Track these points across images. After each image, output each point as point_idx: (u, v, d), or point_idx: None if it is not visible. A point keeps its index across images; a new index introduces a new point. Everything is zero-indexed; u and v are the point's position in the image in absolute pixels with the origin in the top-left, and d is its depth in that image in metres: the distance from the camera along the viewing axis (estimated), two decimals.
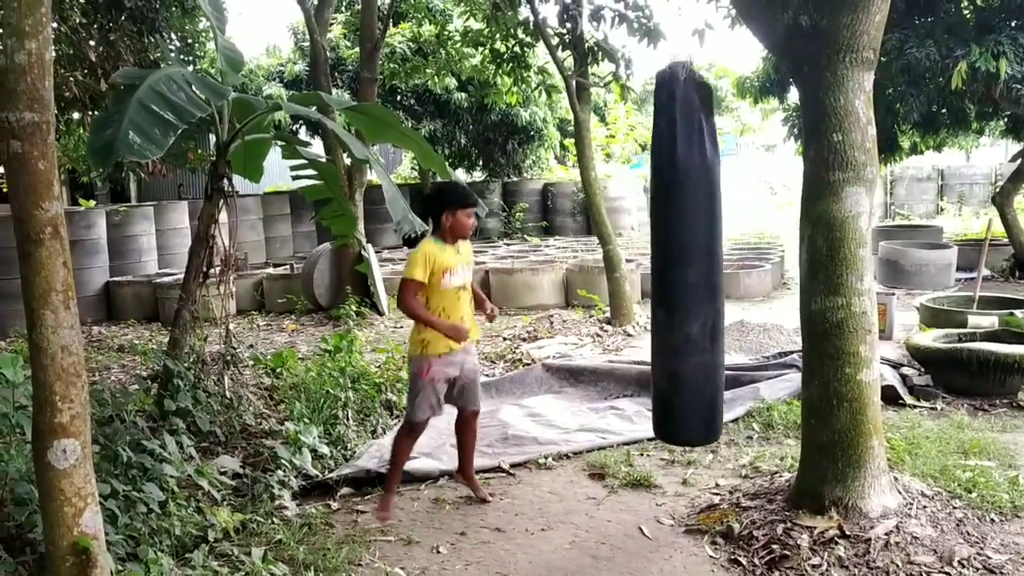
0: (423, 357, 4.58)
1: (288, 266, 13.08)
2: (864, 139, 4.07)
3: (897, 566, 3.71)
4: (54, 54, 3.03)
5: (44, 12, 2.98)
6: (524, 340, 8.96)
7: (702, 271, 4.20)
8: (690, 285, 4.20)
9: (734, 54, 44.29)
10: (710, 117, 4.15)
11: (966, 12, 9.30)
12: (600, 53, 9.69)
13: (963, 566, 3.72)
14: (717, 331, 4.25)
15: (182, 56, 10.61)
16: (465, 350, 4.69)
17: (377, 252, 13.30)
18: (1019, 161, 12.08)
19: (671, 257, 4.25)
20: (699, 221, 4.17)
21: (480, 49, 11.98)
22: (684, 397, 4.30)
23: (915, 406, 6.18)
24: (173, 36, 10.35)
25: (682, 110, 4.09)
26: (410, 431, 4.73)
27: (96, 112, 9.38)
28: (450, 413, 6.52)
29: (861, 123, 4.06)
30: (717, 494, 4.76)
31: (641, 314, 9.82)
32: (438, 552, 4.27)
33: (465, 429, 4.93)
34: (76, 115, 10.96)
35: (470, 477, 4.98)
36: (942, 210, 20.49)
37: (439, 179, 18.41)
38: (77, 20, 8.78)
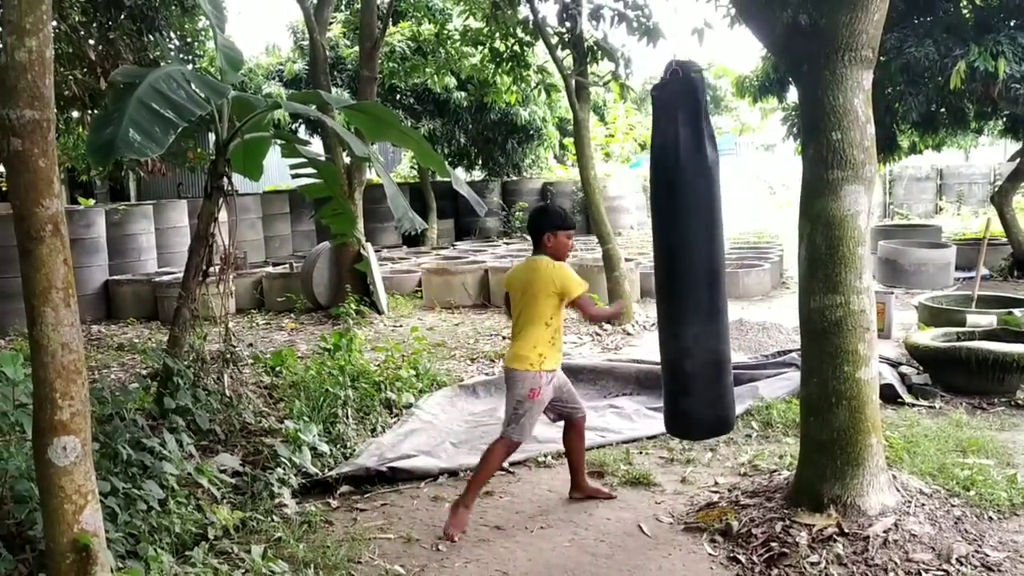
0: (537, 374, 4.44)
1: (287, 265, 13.08)
2: (863, 138, 4.07)
3: (895, 564, 3.72)
4: (54, 52, 3.02)
5: (44, 10, 2.98)
6: None
7: (709, 265, 4.27)
8: (697, 290, 4.27)
9: (733, 53, 44.26)
10: (708, 117, 4.19)
11: (965, 12, 9.32)
12: (599, 52, 9.70)
13: (961, 564, 3.73)
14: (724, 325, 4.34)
15: (182, 55, 10.60)
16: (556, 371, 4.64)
17: (376, 251, 13.31)
18: (1018, 160, 12.09)
19: (679, 264, 4.30)
20: (701, 220, 4.20)
21: (479, 48, 11.97)
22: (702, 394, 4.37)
23: (913, 405, 6.19)
24: (172, 35, 10.34)
25: (685, 110, 4.12)
26: (508, 449, 4.60)
27: (96, 111, 9.38)
28: (450, 411, 6.53)
29: (860, 122, 4.07)
30: (716, 492, 4.77)
31: (640, 313, 9.83)
32: (438, 550, 4.28)
33: (576, 437, 4.81)
34: (76, 114, 10.96)
35: (584, 487, 4.86)
36: (941, 209, 20.52)
37: (439, 178, 18.46)
38: (77, 18, 8.79)
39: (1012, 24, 9.01)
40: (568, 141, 20.11)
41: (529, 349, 4.45)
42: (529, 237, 4.74)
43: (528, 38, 10.53)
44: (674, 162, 4.15)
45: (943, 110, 10.72)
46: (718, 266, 4.31)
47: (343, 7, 17.23)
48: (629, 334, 9.21)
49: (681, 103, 4.15)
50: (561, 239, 4.55)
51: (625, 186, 20.64)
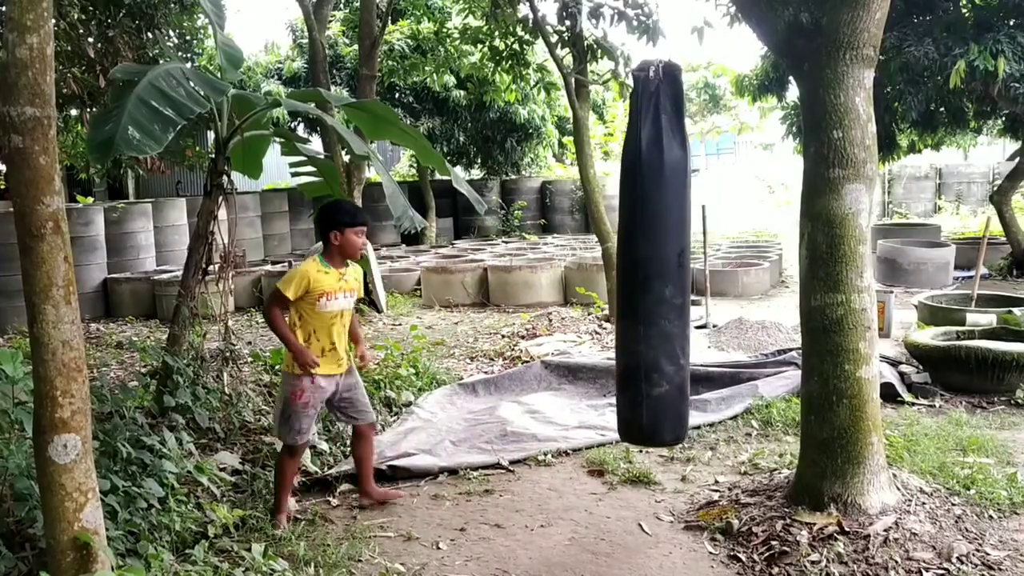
0: (297, 376, 4.42)
1: (287, 263, 13.07)
2: (864, 136, 4.07)
3: (896, 562, 3.72)
4: (54, 50, 3.02)
5: (45, 7, 2.98)
6: (523, 337, 8.96)
7: (678, 271, 4.19)
8: (667, 293, 4.17)
9: (733, 52, 44.27)
10: (680, 116, 4.13)
11: (965, 11, 9.32)
12: (599, 51, 9.69)
13: (962, 562, 3.73)
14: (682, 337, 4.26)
15: (181, 53, 10.58)
16: (343, 373, 4.58)
17: (376, 249, 13.31)
18: (1017, 160, 12.11)
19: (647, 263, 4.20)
20: (672, 218, 4.14)
21: (479, 47, 11.96)
22: (671, 395, 4.25)
23: (913, 403, 6.19)
24: (172, 33, 10.32)
25: (655, 109, 4.08)
26: (291, 455, 4.53)
27: (95, 108, 9.36)
28: (449, 409, 6.53)
29: (861, 120, 4.07)
30: (716, 491, 4.77)
31: None
32: (438, 548, 4.28)
33: (360, 443, 4.77)
34: (75, 112, 10.94)
35: (369, 492, 4.82)
36: (940, 209, 20.52)
37: (438, 177, 18.46)
38: (76, 16, 8.77)
39: (1012, 23, 9.01)
40: (567, 140, 20.11)
41: (287, 352, 4.47)
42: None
43: (528, 36, 10.52)
44: (646, 159, 4.10)
45: (942, 109, 10.73)
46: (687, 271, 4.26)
47: (342, 5, 17.22)
48: None
49: (646, 101, 4.12)
50: (349, 237, 4.43)
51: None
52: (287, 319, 4.46)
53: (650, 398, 4.17)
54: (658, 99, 4.06)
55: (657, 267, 4.13)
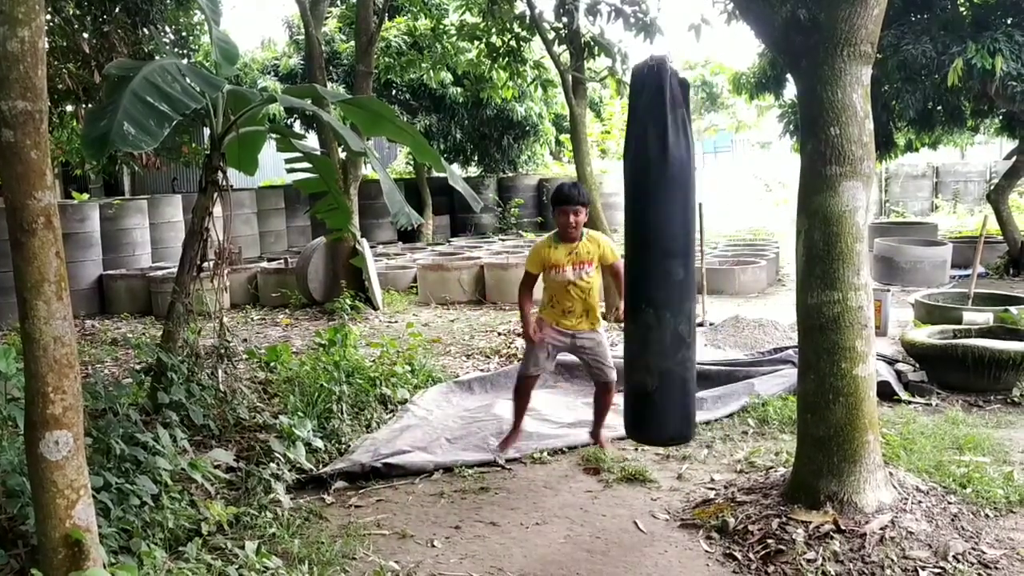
0: (539, 320, 5.30)
1: (282, 260, 13.05)
2: (861, 133, 4.06)
3: (892, 561, 3.71)
4: (47, 45, 3.00)
5: (36, 0, 2.95)
6: (519, 335, 8.94)
7: (685, 266, 4.33)
8: (676, 282, 4.31)
9: (730, 50, 44.27)
10: (687, 112, 4.19)
11: (962, 9, 9.32)
12: (596, 48, 9.68)
13: (958, 561, 3.72)
14: (693, 324, 4.44)
15: (176, 49, 10.57)
16: (579, 332, 5.27)
17: (372, 247, 13.28)
18: (1014, 158, 12.10)
19: (659, 252, 4.32)
20: (678, 215, 4.26)
21: (476, 43, 11.93)
22: (673, 394, 4.40)
23: (910, 402, 6.18)
24: (167, 28, 10.30)
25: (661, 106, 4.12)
26: (522, 382, 5.39)
27: (90, 104, 9.33)
28: (445, 407, 6.52)
29: (858, 117, 4.05)
30: (712, 489, 4.76)
31: None
32: (433, 546, 4.26)
33: (599, 394, 5.43)
34: (70, 107, 10.91)
35: (597, 437, 5.50)
36: (937, 207, 20.54)
37: (434, 174, 18.44)
38: (71, 11, 8.74)
39: (1009, 22, 9.01)
40: (564, 137, 20.06)
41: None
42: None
43: (525, 33, 10.50)
44: (654, 157, 4.19)
45: (940, 108, 10.73)
46: (692, 268, 4.36)
47: (339, 2, 17.19)
48: None
49: (646, 100, 4.18)
50: (557, 216, 5.18)
51: (621, 183, 20.59)
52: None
53: (651, 397, 4.34)
54: (664, 97, 4.09)
55: (662, 264, 4.28)
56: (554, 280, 5.19)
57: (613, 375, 5.32)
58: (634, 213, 4.44)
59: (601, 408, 5.45)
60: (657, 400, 4.40)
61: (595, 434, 5.51)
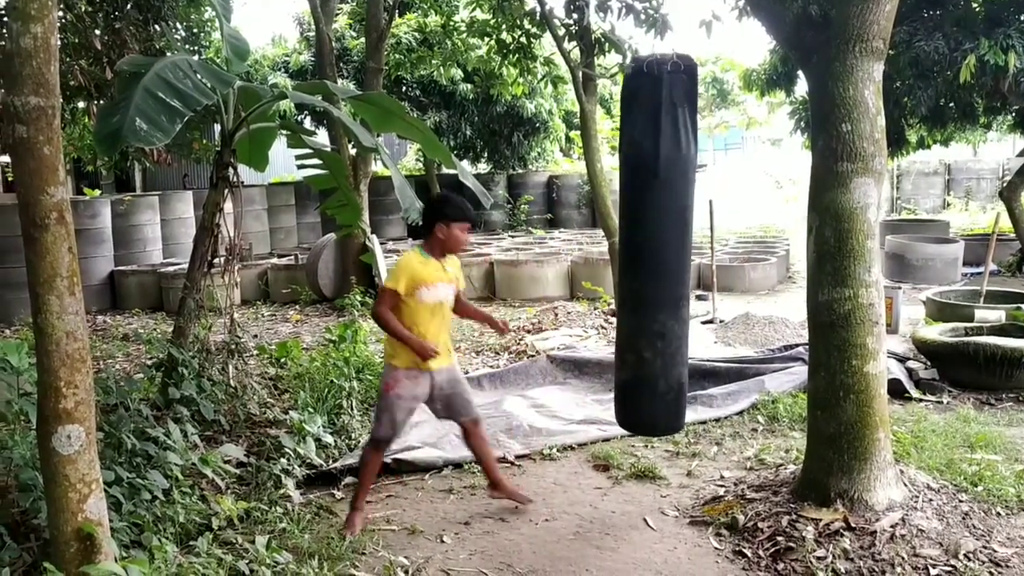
0: (395, 368, 4.35)
1: (292, 256, 13.07)
2: (873, 129, 4.04)
3: (903, 559, 3.70)
4: (59, 42, 3.01)
5: None
6: (529, 332, 8.95)
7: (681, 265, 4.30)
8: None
9: (741, 46, 44.12)
10: (692, 110, 4.15)
11: (975, 5, 9.24)
12: (607, 44, 9.65)
13: (969, 559, 3.70)
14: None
15: (187, 45, 10.59)
16: (441, 369, 4.41)
17: (382, 243, 13.29)
18: None
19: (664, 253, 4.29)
20: (675, 213, 4.21)
21: (486, 40, 11.92)
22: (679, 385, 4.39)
23: (921, 400, 6.16)
24: (179, 25, 10.32)
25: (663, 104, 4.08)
26: (375, 448, 4.45)
27: (102, 101, 9.36)
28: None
29: (870, 113, 4.04)
30: (722, 486, 4.75)
31: None
32: (442, 541, 4.27)
33: (472, 440, 4.63)
34: (82, 104, 10.94)
35: (499, 485, 4.68)
36: (949, 205, 20.43)
37: (444, 170, 18.44)
38: (83, 8, 8.76)
39: (1022, 18, 8.93)
40: (574, 134, 20.05)
41: (386, 344, 4.45)
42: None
43: (535, 30, 10.48)
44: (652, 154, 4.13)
45: (952, 104, 10.64)
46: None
47: None
48: None
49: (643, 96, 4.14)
50: (455, 232, 4.33)
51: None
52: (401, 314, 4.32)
53: (658, 392, 4.29)
54: (669, 93, 4.07)
55: (655, 262, 4.24)
56: (421, 302, 4.29)
57: (478, 409, 4.67)
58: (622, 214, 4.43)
59: (486, 452, 4.69)
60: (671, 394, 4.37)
61: (496, 484, 4.69)
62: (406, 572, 3.92)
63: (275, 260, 13.08)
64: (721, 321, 9.04)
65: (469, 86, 16.84)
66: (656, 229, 4.23)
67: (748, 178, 26.51)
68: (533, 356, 7.75)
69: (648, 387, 4.31)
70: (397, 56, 15.07)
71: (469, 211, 4.44)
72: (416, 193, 5.86)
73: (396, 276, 4.28)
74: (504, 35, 10.86)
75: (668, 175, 4.11)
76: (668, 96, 4.05)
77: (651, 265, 4.25)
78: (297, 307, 11.14)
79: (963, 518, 4.04)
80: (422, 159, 20.01)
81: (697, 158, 4.27)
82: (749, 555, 3.94)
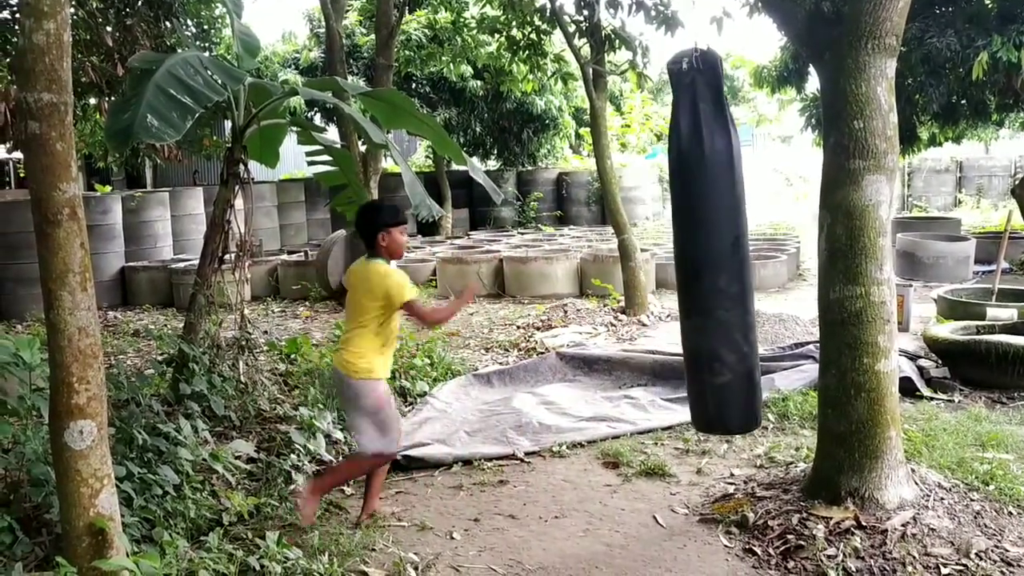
0: (377, 381, 4.27)
1: (303, 253, 13.10)
2: (885, 127, 4.02)
3: (914, 558, 3.69)
4: (71, 38, 3.02)
5: None
6: (538, 329, 8.95)
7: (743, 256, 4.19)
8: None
9: (752, 43, 44.01)
10: (721, 105, 4.10)
11: (987, 2, 9.19)
12: (617, 41, 9.63)
13: (980, 558, 3.69)
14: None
15: (198, 42, 10.62)
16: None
17: None
18: None
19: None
20: (721, 207, 4.08)
21: (496, 36, 11.92)
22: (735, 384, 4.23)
23: (932, 398, 6.13)
24: (189, 21, 10.36)
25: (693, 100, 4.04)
26: (384, 461, 4.44)
27: (112, 97, 9.40)
28: (464, 400, 6.53)
29: (883, 110, 4.01)
30: (732, 484, 4.74)
31: (655, 303, 9.80)
32: (452, 538, 4.27)
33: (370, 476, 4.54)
34: (93, 100, 11.00)
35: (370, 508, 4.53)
36: (960, 202, 20.34)
37: (454, 167, 18.43)
38: (94, 5, 8.80)
39: None
40: (584, 131, 20.03)
41: (357, 360, 4.23)
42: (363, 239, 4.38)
43: (545, 26, 10.47)
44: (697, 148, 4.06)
45: (964, 102, 10.59)
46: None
47: None
48: (644, 324, 9.18)
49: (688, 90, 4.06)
50: (396, 236, 4.30)
51: (641, 176, 20.54)
52: (372, 327, 4.25)
53: (713, 387, 4.17)
54: (695, 90, 4.02)
55: (707, 257, 4.11)
56: (390, 320, 4.30)
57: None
58: (673, 212, 4.29)
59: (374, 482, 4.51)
60: (711, 397, 4.28)
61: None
62: (416, 568, 3.92)
63: (285, 256, 13.11)
64: None
65: (479, 83, 16.83)
66: (726, 227, 4.10)
67: (758, 175, 26.43)
68: (543, 353, 7.74)
69: (749, 382, 4.24)
70: (407, 52, 15.07)
71: (402, 212, 4.42)
72: (426, 189, 5.85)
73: (406, 285, 4.24)
74: (514, 32, 10.86)
75: (704, 173, 4.02)
76: (707, 90, 4.00)
77: (723, 263, 4.11)
78: (307, 303, 11.16)
79: (974, 517, 4.02)
80: (432, 156, 20.00)
81: (736, 153, 4.06)
82: (759, 553, 3.94)
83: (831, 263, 4.13)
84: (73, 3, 8.20)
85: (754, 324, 4.29)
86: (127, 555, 3.23)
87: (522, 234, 16.42)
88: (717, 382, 4.15)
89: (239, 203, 6.16)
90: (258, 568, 3.71)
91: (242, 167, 6.08)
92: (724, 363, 4.11)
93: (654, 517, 4.44)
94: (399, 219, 4.35)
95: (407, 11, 12.62)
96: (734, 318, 4.11)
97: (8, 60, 9.57)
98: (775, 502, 4.29)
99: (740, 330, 4.13)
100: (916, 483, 4.18)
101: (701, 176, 4.05)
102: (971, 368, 6.36)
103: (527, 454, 5.37)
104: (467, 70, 16.07)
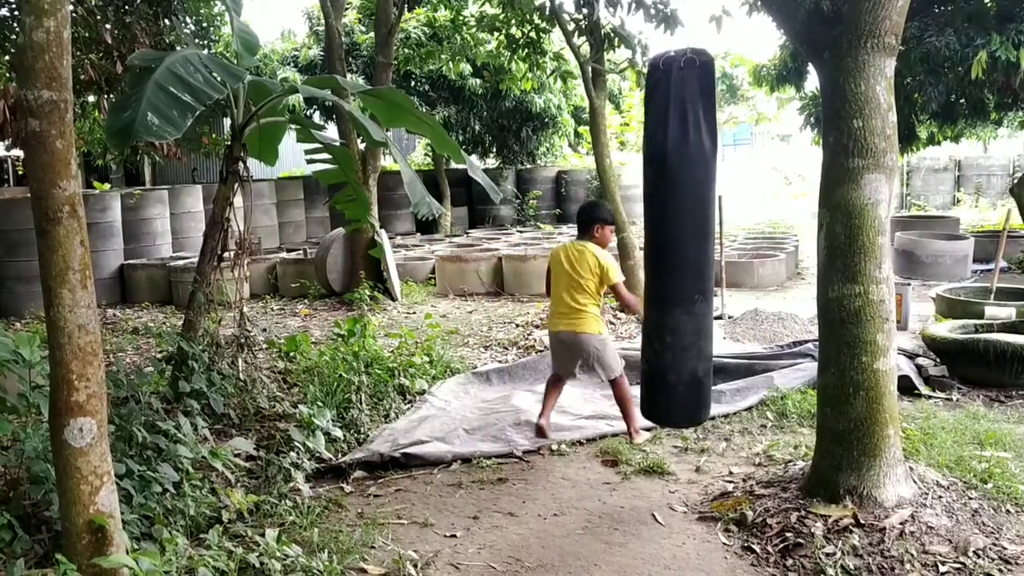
0: (605, 334, 5.59)
1: (302, 251, 13.10)
2: (884, 126, 4.02)
3: (912, 555, 3.69)
4: (71, 35, 3.02)
5: None
6: (537, 327, 8.94)
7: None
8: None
9: (751, 42, 43.98)
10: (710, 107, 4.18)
11: (987, 1, 9.20)
12: (616, 39, 9.63)
13: (978, 556, 3.69)
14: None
15: (197, 39, 10.61)
16: None
17: (390, 238, 13.31)
18: None
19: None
20: (689, 209, 4.34)
21: (495, 35, 11.92)
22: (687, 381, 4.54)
23: (930, 396, 6.14)
24: (188, 19, 10.36)
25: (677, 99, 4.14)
26: (623, 377, 5.52)
27: (112, 95, 9.40)
28: (463, 398, 6.54)
29: (882, 109, 4.02)
30: (730, 482, 4.75)
31: None
32: (451, 536, 4.28)
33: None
34: (92, 98, 10.99)
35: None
36: (959, 201, 20.35)
37: (453, 165, 18.42)
38: (93, 2, 8.80)
39: None
40: (583, 129, 20.02)
41: (595, 320, 5.50)
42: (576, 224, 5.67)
43: (545, 25, 10.48)
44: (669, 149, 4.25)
45: (963, 101, 10.60)
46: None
47: None
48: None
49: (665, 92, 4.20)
50: (607, 233, 5.54)
51: (640, 175, 20.51)
52: (596, 298, 5.52)
53: (668, 384, 4.51)
54: (679, 89, 4.07)
55: (674, 256, 4.34)
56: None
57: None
58: (645, 209, 4.63)
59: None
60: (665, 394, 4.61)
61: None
62: (415, 566, 3.93)
63: (284, 254, 13.11)
64: (730, 317, 9.03)
65: (478, 81, 16.81)
66: (668, 225, 4.37)
67: (757, 174, 26.46)
68: (541, 351, 7.75)
69: (659, 379, 4.57)
70: (406, 51, 15.07)
71: (612, 215, 5.94)
72: (425, 187, 5.86)
73: (618, 270, 5.58)
74: (514, 30, 10.86)
75: (679, 170, 4.17)
76: (679, 92, 4.07)
77: (662, 260, 4.33)
78: (306, 301, 11.16)
79: (972, 515, 4.03)
80: (431, 154, 19.99)
81: (715, 153, 4.29)
82: (758, 551, 3.95)
83: (830, 261, 4.13)
84: (72, 1, 8.19)
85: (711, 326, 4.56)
86: (127, 552, 3.23)
87: (521, 232, 16.41)
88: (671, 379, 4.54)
89: (238, 201, 6.16)
90: (258, 565, 3.71)
91: (241, 165, 6.09)
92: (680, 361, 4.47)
93: (653, 515, 4.45)
94: (612, 220, 5.73)
95: (406, 9, 12.60)
96: (691, 323, 4.43)
97: (8, 57, 9.56)
98: (774, 500, 4.30)
99: (699, 330, 4.45)
100: (914, 481, 4.19)
101: (675, 175, 4.32)
102: (969, 367, 6.36)
103: (526, 452, 5.38)
104: (466, 68, 16.06)
